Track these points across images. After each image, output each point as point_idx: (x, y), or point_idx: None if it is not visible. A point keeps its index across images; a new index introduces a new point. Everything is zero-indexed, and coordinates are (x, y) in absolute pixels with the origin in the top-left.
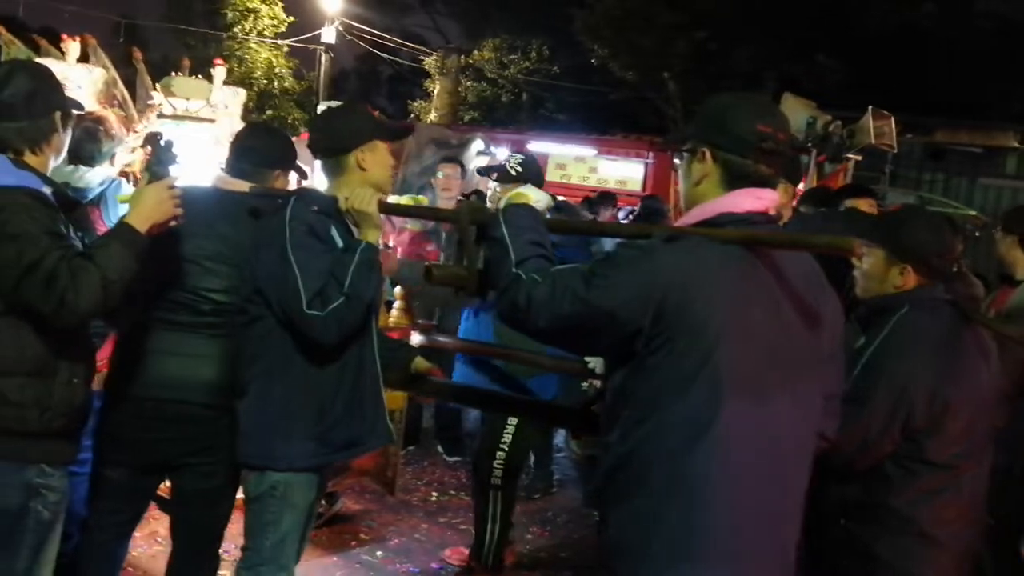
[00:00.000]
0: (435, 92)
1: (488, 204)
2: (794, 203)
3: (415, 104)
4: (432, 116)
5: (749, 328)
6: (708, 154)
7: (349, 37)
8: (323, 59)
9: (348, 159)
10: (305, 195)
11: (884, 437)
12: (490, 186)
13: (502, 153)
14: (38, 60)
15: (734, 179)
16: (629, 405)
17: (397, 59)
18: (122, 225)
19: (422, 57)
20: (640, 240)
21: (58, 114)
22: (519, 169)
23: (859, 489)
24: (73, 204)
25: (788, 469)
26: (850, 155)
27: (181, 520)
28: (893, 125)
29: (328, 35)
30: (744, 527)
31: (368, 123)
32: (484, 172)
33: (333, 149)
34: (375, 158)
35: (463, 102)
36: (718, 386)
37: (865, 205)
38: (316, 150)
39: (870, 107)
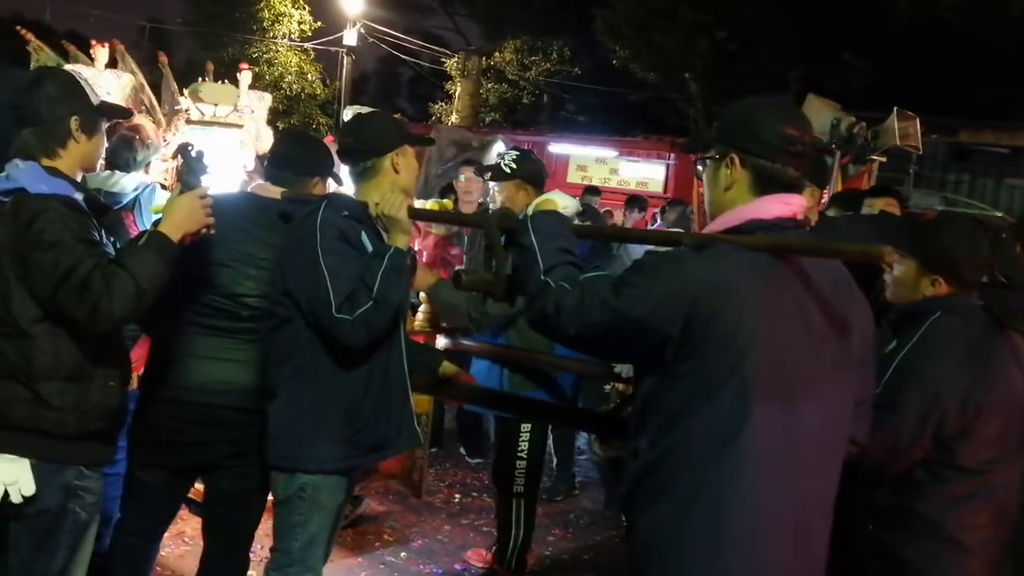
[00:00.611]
0: (456, 94)
1: (489, 204)
2: (820, 206)
3: (436, 106)
4: (453, 118)
5: (778, 336)
6: (737, 160)
7: (371, 40)
8: (345, 62)
9: (383, 161)
10: (336, 200)
11: (916, 442)
12: (490, 186)
13: None
14: (67, 66)
15: (764, 184)
16: (658, 412)
17: (418, 61)
18: (156, 233)
19: (443, 59)
20: (670, 248)
21: (75, 119)
22: (513, 166)
23: (888, 494)
24: (104, 209)
25: (817, 476)
26: (874, 156)
27: (213, 521)
28: (918, 126)
29: (350, 38)
30: (772, 534)
31: (398, 128)
32: (480, 171)
33: (367, 152)
34: (406, 161)
35: (484, 104)
36: (747, 394)
37: (883, 204)
38: (347, 153)
39: (895, 108)
